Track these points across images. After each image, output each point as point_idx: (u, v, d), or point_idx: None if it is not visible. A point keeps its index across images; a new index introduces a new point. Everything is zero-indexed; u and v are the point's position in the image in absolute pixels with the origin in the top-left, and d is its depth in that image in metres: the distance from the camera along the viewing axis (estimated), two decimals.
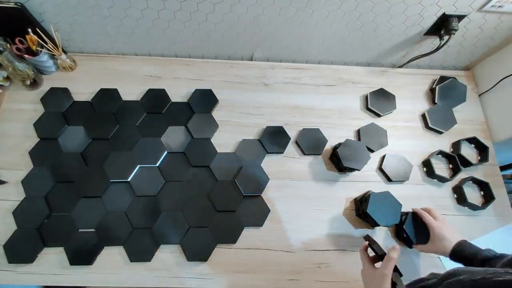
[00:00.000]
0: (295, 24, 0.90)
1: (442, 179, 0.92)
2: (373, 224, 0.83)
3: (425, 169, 0.94)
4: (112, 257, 0.79)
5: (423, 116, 1.01)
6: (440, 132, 0.99)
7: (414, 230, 0.80)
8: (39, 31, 0.85)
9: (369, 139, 0.95)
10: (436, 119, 0.99)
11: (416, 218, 0.81)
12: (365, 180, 0.92)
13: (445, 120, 0.99)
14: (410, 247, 0.82)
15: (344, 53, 1.04)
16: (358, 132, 0.96)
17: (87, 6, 0.83)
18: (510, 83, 0.94)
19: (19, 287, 1.02)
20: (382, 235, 0.86)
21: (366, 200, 0.81)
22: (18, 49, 0.86)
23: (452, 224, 0.76)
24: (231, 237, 0.82)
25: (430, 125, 0.98)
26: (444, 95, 1.02)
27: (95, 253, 0.78)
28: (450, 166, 0.94)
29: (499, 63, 1.00)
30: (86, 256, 0.78)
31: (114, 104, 0.94)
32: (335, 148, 0.89)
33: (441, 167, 0.94)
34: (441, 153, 0.94)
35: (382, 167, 0.92)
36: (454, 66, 1.11)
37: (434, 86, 1.04)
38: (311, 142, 0.94)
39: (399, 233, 0.84)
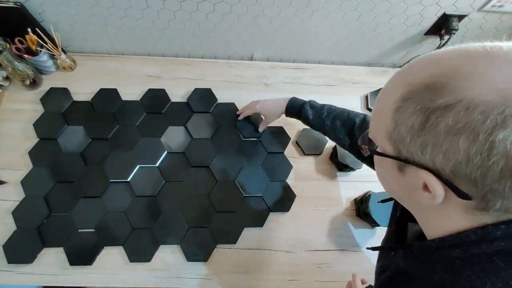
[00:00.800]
0: (295, 24, 0.90)
1: None
2: (373, 224, 0.83)
3: None
4: (112, 257, 0.79)
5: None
6: None
7: (251, 125, 0.93)
8: (38, 31, 0.85)
9: None
10: None
11: (245, 120, 0.93)
12: (365, 180, 0.92)
13: None
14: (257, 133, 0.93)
15: (344, 53, 1.04)
16: None
17: (87, 6, 0.83)
18: None
19: (19, 287, 1.02)
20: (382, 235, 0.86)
21: (366, 200, 0.81)
22: (17, 49, 0.86)
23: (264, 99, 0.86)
24: (231, 237, 0.82)
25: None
26: None
27: (95, 253, 0.78)
28: None
29: None
30: (86, 256, 0.77)
31: (114, 104, 0.93)
32: (335, 147, 0.89)
33: None
34: None
35: None
36: None
37: None
38: (311, 142, 0.94)
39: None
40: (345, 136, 0.70)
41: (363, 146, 0.40)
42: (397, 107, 0.29)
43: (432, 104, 0.26)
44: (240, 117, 0.92)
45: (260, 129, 0.92)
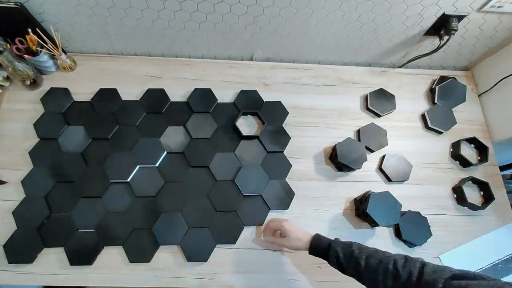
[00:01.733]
0: (295, 24, 0.90)
1: (474, 207, 0.88)
2: (372, 224, 0.83)
3: (455, 195, 0.92)
4: (112, 257, 0.79)
5: (423, 116, 1.01)
6: (440, 132, 0.99)
7: None
8: (39, 31, 0.85)
9: (369, 139, 0.95)
10: (436, 119, 0.99)
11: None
12: (365, 180, 0.92)
13: (445, 120, 0.99)
14: None
15: (344, 53, 1.04)
16: (358, 132, 0.97)
17: (87, 6, 0.83)
18: (510, 83, 0.94)
19: (19, 287, 1.02)
20: (382, 235, 0.86)
21: (366, 200, 0.81)
22: (18, 49, 0.86)
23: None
24: (231, 237, 0.82)
25: (430, 125, 0.98)
26: (444, 95, 1.02)
27: (95, 253, 0.78)
28: (482, 193, 0.92)
29: (499, 63, 1.00)
30: (86, 256, 0.78)
31: (114, 104, 0.94)
32: (334, 147, 0.89)
33: (472, 195, 0.91)
34: (473, 179, 0.91)
35: (382, 167, 0.92)
36: (454, 66, 1.11)
37: (434, 86, 1.04)
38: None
39: None
40: (384, 278, 0.58)
41: None
42: None
43: None
44: (264, 233, 0.80)
45: (268, 241, 0.81)
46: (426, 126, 1.00)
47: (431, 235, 0.83)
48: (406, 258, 0.58)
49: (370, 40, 0.97)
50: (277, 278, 0.80)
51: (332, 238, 0.69)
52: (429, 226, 0.84)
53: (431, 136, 1.00)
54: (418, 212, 0.86)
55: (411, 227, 0.82)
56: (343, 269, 0.65)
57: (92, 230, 0.80)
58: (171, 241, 0.80)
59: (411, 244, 0.83)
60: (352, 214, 0.88)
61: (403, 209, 0.81)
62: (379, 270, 0.58)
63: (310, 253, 0.71)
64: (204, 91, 0.98)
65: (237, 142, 0.92)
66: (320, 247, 0.69)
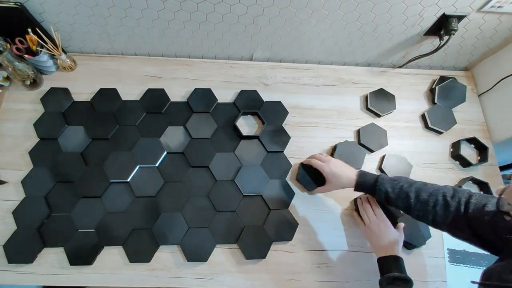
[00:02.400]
0: (295, 24, 0.90)
1: None
2: None
3: None
4: (112, 257, 0.79)
5: (423, 116, 1.01)
6: (440, 132, 0.99)
7: (307, 177, 0.87)
8: (39, 31, 0.85)
9: (369, 139, 0.95)
10: (436, 119, 0.99)
11: (307, 168, 0.87)
12: None
13: (445, 120, 0.99)
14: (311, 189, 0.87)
15: (344, 53, 1.04)
16: (358, 132, 0.97)
17: (87, 6, 0.83)
18: (510, 83, 0.94)
19: (19, 287, 1.02)
20: None
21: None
22: (18, 49, 0.86)
23: (337, 159, 0.81)
24: (231, 237, 0.82)
25: (430, 125, 0.98)
26: (444, 95, 1.02)
27: (95, 253, 0.78)
28: (482, 193, 0.91)
29: (499, 63, 1.00)
30: (86, 256, 0.78)
31: (114, 104, 0.94)
32: (334, 148, 0.89)
33: None
34: (473, 179, 0.91)
35: (382, 167, 0.92)
36: (454, 66, 1.11)
37: (434, 86, 1.04)
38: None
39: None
40: (434, 210, 0.62)
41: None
42: None
43: None
44: (304, 161, 0.87)
45: (314, 193, 0.86)
46: (426, 126, 1.00)
47: (430, 236, 0.83)
48: (454, 189, 0.63)
49: (370, 40, 0.97)
50: (277, 278, 0.80)
51: (376, 173, 0.73)
52: (428, 227, 0.84)
53: (431, 136, 1.00)
54: None
55: (410, 229, 0.82)
56: (390, 203, 0.69)
57: (92, 230, 0.80)
58: (171, 241, 0.80)
59: (410, 246, 0.83)
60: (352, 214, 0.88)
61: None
62: (430, 202, 0.62)
63: (355, 190, 0.74)
64: (204, 91, 0.98)
65: (237, 142, 0.92)
66: (366, 184, 0.72)
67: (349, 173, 0.75)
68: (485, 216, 0.55)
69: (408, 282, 0.65)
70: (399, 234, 0.73)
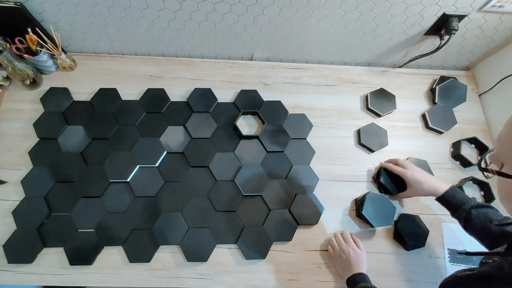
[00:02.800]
0: (295, 24, 0.90)
1: None
2: (368, 224, 0.83)
3: None
4: (112, 257, 0.79)
5: (423, 116, 1.01)
6: (440, 132, 0.99)
7: (390, 182, 0.87)
8: (38, 30, 0.85)
9: (369, 139, 0.95)
10: (436, 119, 0.99)
11: (388, 172, 0.87)
12: (365, 180, 0.92)
13: (445, 120, 0.99)
14: (392, 194, 0.87)
15: (344, 53, 1.04)
16: (358, 132, 0.96)
17: (87, 5, 0.83)
18: (510, 83, 0.94)
19: (19, 287, 1.02)
20: (382, 235, 0.86)
21: (362, 203, 0.82)
22: (17, 48, 0.86)
23: (420, 168, 0.83)
24: (231, 237, 0.82)
25: (430, 125, 0.98)
26: (444, 95, 1.02)
27: (95, 253, 0.78)
28: (482, 193, 0.92)
29: (499, 63, 1.00)
30: (86, 256, 0.78)
31: (114, 103, 0.94)
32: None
33: (472, 195, 0.91)
34: (473, 179, 0.91)
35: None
36: (454, 66, 1.11)
37: (434, 86, 1.04)
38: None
39: (379, 190, 0.90)
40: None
41: (488, 169, 0.43)
42: None
43: None
44: (384, 165, 0.88)
45: (395, 199, 0.87)
46: (427, 126, 1.00)
47: (428, 234, 0.83)
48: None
49: (370, 40, 0.97)
50: (277, 278, 0.80)
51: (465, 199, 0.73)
52: (427, 229, 0.84)
53: (431, 136, 0.99)
54: (418, 216, 0.86)
55: (410, 229, 0.82)
56: (468, 226, 0.71)
57: (92, 230, 0.80)
58: (171, 241, 0.80)
59: (410, 246, 0.83)
60: (352, 214, 0.88)
61: (405, 209, 0.81)
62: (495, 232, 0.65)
63: (437, 199, 0.77)
64: (204, 91, 0.97)
65: (237, 142, 0.92)
66: (455, 199, 0.73)
67: (433, 182, 0.77)
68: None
69: None
70: (361, 252, 0.76)
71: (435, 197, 0.77)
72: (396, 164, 0.86)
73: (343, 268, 0.77)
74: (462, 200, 0.72)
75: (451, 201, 0.74)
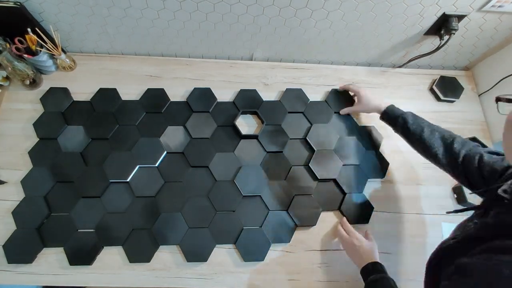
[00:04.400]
0: (295, 24, 0.90)
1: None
2: None
3: (455, 195, 0.92)
4: (112, 257, 0.79)
5: (432, 90, 1.05)
6: (452, 101, 1.03)
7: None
8: (38, 30, 0.85)
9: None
10: (445, 91, 1.03)
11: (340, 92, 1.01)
12: None
13: (454, 89, 1.04)
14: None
15: (344, 53, 1.04)
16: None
17: (86, 5, 0.83)
18: (510, 83, 0.94)
19: (19, 287, 1.02)
20: None
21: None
22: (17, 48, 0.86)
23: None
24: (231, 238, 0.82)
25: (441, 98, 1.02)
26: (444, 91, 1.04)
27: (94, 253, 0.78)
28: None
29: (499, 63, 1.00)
30: (86, 256, 0.78)
31: (114, 103, 0.93)
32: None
33: (472, 195, 0.90)
34: None
35: None
36: (454, 66, 1.11)
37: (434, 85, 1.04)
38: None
39: None
40: (444, 152, 0.71)
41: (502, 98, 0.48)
42: None
43: None
44: (340, 88, 1.01)
45: (344, 112, 0.97)
46: (438, 99, 1.04)
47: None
48: (464, 140, 0.71)
49: (370, 40, 0.97)
50: (277, 278, 0.80)
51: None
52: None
53: None
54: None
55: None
56: (405, 132, 0.79)
57: (92, 230, 0.79)
58: (171, 241, 0.80)
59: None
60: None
61: (407, 207, 0.81)
62: (438, 141, 0.72)
63: (382, 115, 0.86)
64: (204, 91, 0.97)
65: (237, 141, 0.92)
66: (394, 113, 0.83)
67: (380, 102, 0.87)
68: (475, 164, 0.65)
69: (388, 279, 0.66)
70: (372, 243, 0.76)
71: (379, 115, 0.87)
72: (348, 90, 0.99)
73: (356, 256, 0.76)
74: (400, 112, 0.82)
75: (390, 114, 0.83)
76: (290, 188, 0.88)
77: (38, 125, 0.89)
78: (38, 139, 0.88)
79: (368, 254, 0.73)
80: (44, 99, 0.92)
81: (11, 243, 0.77)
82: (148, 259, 0.78)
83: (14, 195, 0.82)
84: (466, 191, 0.90)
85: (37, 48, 0.88)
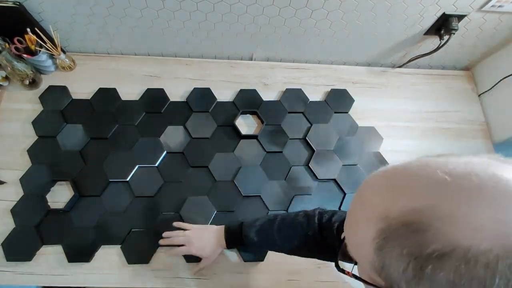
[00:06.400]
0: (295, 24, 0.90)
1: None
2: None
3: None
4: (112, 257, 0.78)
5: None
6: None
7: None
8: (38, 30, 0.85)
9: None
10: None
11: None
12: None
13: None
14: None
15: (344, 53, 1.04)
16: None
17: (86, 5, 0.82)
18: (510, 83, 0.94)
19: (18, 287, 1.02)
20: None
21: None
22: (17, 48, 0.86)
23: (195, 229, 0.75)
24: None
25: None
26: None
27: (93, 250, 0.78)
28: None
29: (499, 63, 1.00)
30: (84, 253, 0.77)
31: (113, 103, 0.93)
32: None
33: None
34: None
35: None
36: (454, 66, 1.11)
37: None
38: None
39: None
40: (302, 243, 0.61)
41: (346, 272, 0.37)
42: (379, 245, 0.26)
43: (422, 251, 0.23)
44: (161, 242, 0.77)
45: (194, 273, 0.76)
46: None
47: None
48: (307, 215, 0.62)
49: (370, 40, 0.97)
50: (277, 278, 0.80)
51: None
52: None
53: (432, 136, 0.99)
54: None
55: None
56: (259, 246, 0.70)
57: (91, 230, 0.79)
58: (171, 241, 0.80)
59: None
60: None
61: None
62: (295, 235, 0.62)
63: (228, 247, 0.71)
64: (204, 91, 0.97)
65: (237, 141, 0.92)
66: (234, 234, 0.69)
67: (212, 238, 0.70)
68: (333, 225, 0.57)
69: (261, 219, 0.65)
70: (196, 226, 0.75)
71: (224, 246, 0.70)
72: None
73: (206, 240, 0.71)
74: (238, 224, 0.69)
75: (232, 229, 0.69)
76: (290, 188, 0.88)
77: (37, 123, 0.89)
78: (37, 137, 0.88)
79: (207, 228, 0.72)
80: (43, 97, 0.92)
81: (10, 241, 0.77)
82: (147, 259, 0.78)
83: (13, 194, 0.82)
84: None
85: (36, 48, 0.88)
